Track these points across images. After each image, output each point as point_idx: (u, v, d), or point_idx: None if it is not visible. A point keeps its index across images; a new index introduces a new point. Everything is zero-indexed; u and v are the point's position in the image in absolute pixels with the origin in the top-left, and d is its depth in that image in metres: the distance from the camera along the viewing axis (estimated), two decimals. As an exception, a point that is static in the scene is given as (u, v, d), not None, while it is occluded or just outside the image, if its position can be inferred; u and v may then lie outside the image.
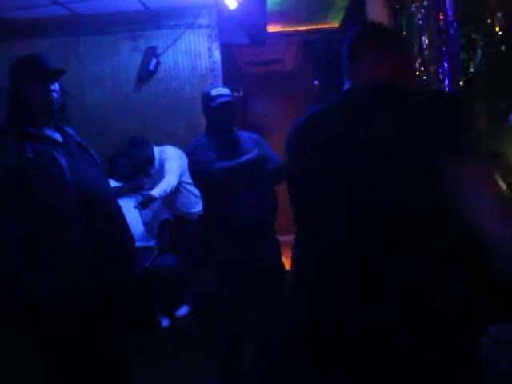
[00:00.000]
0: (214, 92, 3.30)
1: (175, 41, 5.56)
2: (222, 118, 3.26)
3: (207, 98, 3.30)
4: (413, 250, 1.44)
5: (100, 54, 5.58)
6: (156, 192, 4.53)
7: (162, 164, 4.79)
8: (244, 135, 3.40)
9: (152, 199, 4.51)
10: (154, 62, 5.48)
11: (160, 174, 4.75)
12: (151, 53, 5.49)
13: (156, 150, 4.88)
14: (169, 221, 4.96)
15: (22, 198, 2.35)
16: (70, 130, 2.65)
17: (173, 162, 4.71)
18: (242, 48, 6.90)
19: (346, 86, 1.77)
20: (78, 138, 2.66)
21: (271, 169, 3.23)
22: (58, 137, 2.55)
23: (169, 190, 4.60)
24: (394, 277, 1.41)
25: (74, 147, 2.59)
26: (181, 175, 4.68)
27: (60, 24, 5.43)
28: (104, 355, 2.56)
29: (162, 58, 5.55)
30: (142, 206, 4.48)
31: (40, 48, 5.37)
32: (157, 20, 5.51)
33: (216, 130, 3.30)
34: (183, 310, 4.84)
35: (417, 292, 1.42)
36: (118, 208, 2.69)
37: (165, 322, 4.73)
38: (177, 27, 5.55)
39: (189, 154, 3.35)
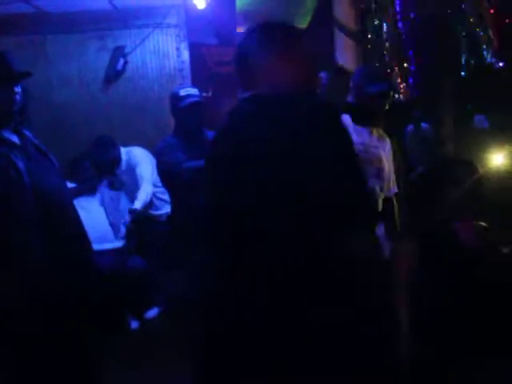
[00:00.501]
0: (182, 92, 3.30)
1: (143, 40, 5.53)
2: (191, 119, 3.26)
3: (176, 98, 3.29)
4: (346, 246, 1.40)
5: (67, 53, 5.51)
6: (138, 205, 4.55)
7: (130, 166, 4.76)
8: (212, 135, 3.40)
9: (138, 213, 4.56)
10: (121, 61, 5.43)
11: (129, 176, 4.73)
12: (119, 52, 5.45)
13: (123, 150, 4.84)
14: (135, 222, 4.91)
15: None
16: (27, 133, 2.60)
17: (144, 166, 4.69)
18: (210, 48, 6.89)
19: (244, 94, 1.61)
20: (37, 141, 2.61)
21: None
22: (15, 139, 2.49)
23: (148, 198, 4.63)
24: (333, 275, 1.38)
25: (32, 150, 2.54)
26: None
27: (26, 22, 5.34)
28: (67, 357, 2.54)
29: (129, 58, 5.51)
30: (131, 223, 4.57)
31: (6, 46, 5.25)
32: (125, 19, 5.47)
33: (184, 130, 3.29)
34: (153, 312, 4.81)
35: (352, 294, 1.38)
36: (75, 212, 2.66)
37: (134, 324, 4.69)
38: (145, 27, 5.52)
39: (157, 154, 3.33)
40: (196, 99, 3.26)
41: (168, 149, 3.23)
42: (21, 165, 2.38)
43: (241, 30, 6.01)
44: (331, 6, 4.32)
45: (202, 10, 5.06)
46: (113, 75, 5.46)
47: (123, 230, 4.80)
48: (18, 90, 2.44)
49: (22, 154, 2.43)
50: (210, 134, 3.40)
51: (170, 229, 3.44)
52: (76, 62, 5.53)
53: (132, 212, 4.57)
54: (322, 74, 3.26)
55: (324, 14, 4.64)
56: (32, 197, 2.37)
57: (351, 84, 2.97)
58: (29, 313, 2.36)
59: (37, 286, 2.38)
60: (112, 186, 4.82)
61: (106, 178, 4.83)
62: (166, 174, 3.23)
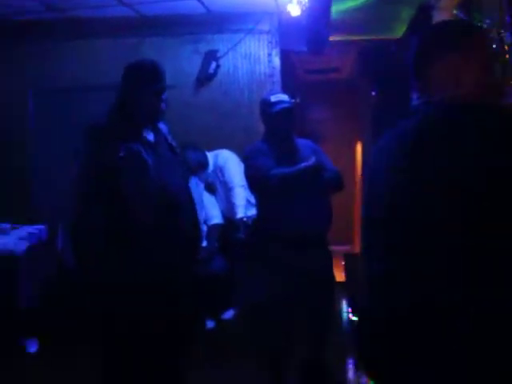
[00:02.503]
0: (273, 98, 3.30)
1: (235, 45, 5.59)
2: (281, 125, 3.25)
3: (266, 104, 3.29)
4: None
5: (162, 56, 5.61)
6: (242, 212, 4.67)
7: (220, 169, 4.83)
8: (301, 142, 3.39)
9: (247, 223, 4.64)
10: (213, 65, 5.50)
11: (217, 178, 4.83)
12: (211, 56, 5.52)
13: (210, 154, 4.91)
14: (219, 225, 4.95)
15: (114, 191, 2.51)
16: (163, 128, 2.83)
17: (232, 168, 4.79)
18: (301, 55, 6.88)
19: (417, 101, 1.52)
20: (170, 137, 2.83)
21: (329, 178, 3.21)
22: (151, 137, 2.72)
23: (245, 202, 4.70)
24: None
25: (164, 149, 2.76)
26: None
27: (124, 24, 5.50)
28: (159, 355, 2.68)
29: (221, 62, 5.58)
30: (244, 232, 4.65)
31: (104, 48, 5.48)
32: (218, 23, 5.55)
33: (274, 136, 3.29)
34: (229, 313, 4.86)
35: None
36: (195, 213, 2.83)
37: (210, 324, 4.75)
38: (238, 32, 5.58)
39: (246, 158, 3.35)
40: (287, 105, 3.25)
41: (257, 153, 3.24)
42: (149, 160, 2.58)
43: (333, 39, 5.95)
44: (430, 15, 4.18)
45: (295, 18, 5.05)
46: (204, 78, 5.54)
47: (205, 230, 4.87)
48: (165, 97, 2.74)
49: (153, 152, 2.64)
50: (298, 141, 3.38)
51: (254, 232, 3.45)
52: (170, 65, 5.63)
53: (242, 222, 4.65)
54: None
55: (421, 23, 4.51)
56: (156, 190, 2.56)
57: None
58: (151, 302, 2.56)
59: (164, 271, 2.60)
60: (208, 189, 4.92)
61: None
62: (254, 178, 3.23)
